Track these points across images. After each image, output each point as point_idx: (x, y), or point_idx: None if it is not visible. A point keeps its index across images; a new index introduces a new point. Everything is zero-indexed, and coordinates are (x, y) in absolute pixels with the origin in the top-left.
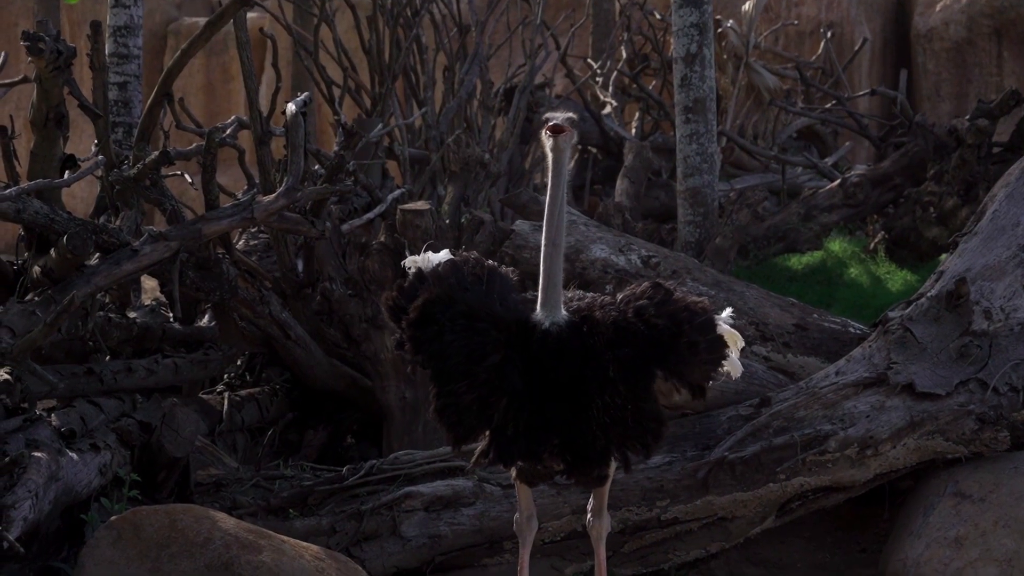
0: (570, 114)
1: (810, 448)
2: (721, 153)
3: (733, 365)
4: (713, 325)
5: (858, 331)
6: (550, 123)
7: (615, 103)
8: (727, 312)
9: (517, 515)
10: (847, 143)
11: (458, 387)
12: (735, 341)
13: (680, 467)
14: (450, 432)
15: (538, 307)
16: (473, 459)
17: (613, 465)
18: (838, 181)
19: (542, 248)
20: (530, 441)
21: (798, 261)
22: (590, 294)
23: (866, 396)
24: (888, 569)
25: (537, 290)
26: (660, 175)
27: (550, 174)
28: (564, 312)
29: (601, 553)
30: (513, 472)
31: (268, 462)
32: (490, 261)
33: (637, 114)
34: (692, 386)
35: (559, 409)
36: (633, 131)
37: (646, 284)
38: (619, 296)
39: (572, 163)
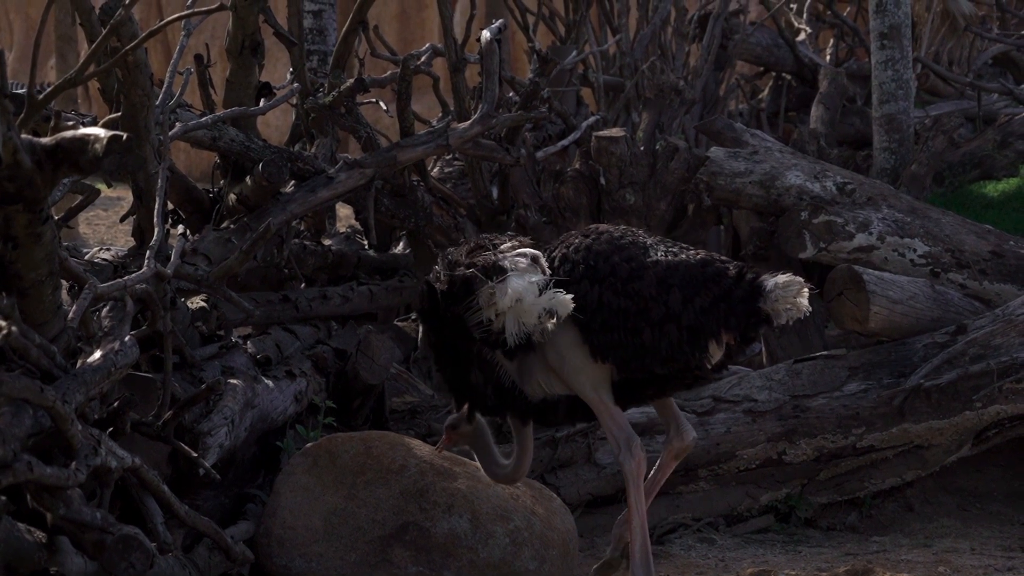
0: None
1: (1007, 376)
2: (916, 79)
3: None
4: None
5: None
6: None
7: (809, 30)
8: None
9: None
10: None
11: None
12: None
13: (876, 394)
14: None
15: None
16: None
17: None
18: None
19: None
20: None
21: (994, 188)
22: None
23: None
24: None
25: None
26: (855, 102)
27: None
28: None
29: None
30: None
31: None
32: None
33: (831, 41)
34: None
35: None
36: (827, 58)
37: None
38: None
39: (767, 90)
